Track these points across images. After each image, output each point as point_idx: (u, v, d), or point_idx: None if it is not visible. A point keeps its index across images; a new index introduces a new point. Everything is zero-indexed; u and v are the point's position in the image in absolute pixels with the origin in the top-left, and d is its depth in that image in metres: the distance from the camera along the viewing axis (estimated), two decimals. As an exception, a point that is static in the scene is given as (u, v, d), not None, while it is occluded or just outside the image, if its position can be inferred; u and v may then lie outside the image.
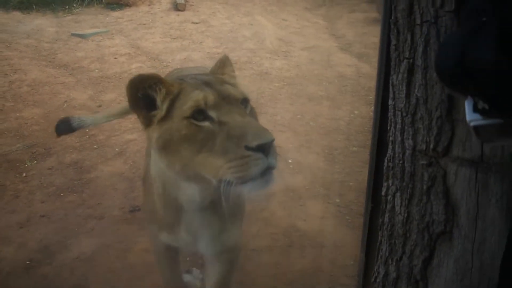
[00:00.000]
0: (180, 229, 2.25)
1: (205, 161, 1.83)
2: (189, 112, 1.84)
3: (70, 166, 4.18)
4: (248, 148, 1.71)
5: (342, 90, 5.93)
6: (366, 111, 5.32)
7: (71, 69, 6.31)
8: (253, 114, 2.15)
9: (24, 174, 4.10)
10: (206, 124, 1.84)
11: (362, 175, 3.88)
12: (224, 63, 2.30)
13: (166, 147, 1.89)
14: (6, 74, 5.95)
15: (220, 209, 2.17)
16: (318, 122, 5.10)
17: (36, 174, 4.09)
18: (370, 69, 6.44)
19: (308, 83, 6.03)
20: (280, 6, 9.38)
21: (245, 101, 1.98)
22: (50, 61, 6.53)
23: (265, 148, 1.72)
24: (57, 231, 3.48)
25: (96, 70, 6.28)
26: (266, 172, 1.75)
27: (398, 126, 1.57)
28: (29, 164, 4.24)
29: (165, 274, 2.72)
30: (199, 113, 1.85)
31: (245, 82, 5.92)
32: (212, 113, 1.84)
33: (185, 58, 6.50)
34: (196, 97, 1.88)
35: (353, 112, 5.35)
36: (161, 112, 1.93)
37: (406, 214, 1.59)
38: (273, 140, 1.75)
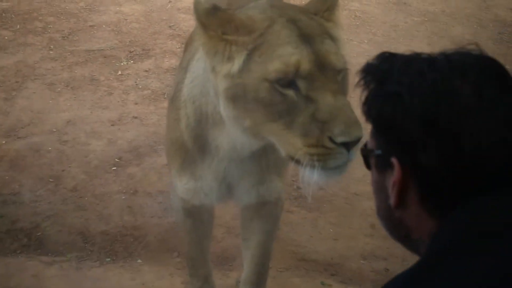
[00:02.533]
0: (208, 176, 2.32)
1: (280, 132, 1.87)
2: (274, 75, 1.84)
3: (168, 72, 4.65)
4: (332, 141, 1.77)
5: (497, 38, 5.85)
6: (521, 68, 5.27)
7: None
8: (345, 85, 2.00)
9: (120, 72, 4.65)
10: (291, 93, 1.84)
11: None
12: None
13: (236, 101, 1.91)
14: None
15: (260, 158, 2.27)
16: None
17: (132, 74, 4.63)
18: (538, 18, 6.26)
19: (454, 23, 6.00)
20: None
21: (343, 71, 1.93)
22: None
23: (350, 145, 1.77)
24: (149, 134, 4.01)
25: None
26: (343, 164, 1.82)
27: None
28: (125, 62, 4.78)
29: (191, 251, 2.78)
30: (285, 79, 1.84)
31: (377, 10, 6.03)
32: (301, 84, 1.83)
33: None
34: (287, 58, 1.84)
35: (505, 66, 5.32)
36: (232, 65, 1.92)
37: None
38: (361, 138, 1.75)
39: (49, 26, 5.25)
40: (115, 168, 3.74)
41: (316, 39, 1.90)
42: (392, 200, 1.11)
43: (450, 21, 6.02)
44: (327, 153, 1.79)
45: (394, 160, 1.08)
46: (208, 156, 2.27)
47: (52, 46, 4.96)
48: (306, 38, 1.89)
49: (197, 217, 2.64)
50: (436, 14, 6.11)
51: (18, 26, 5.19)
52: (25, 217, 3.39)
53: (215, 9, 1.98)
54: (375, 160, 1.16)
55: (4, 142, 3.89)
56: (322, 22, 2.02)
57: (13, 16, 5.32)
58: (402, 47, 5.40)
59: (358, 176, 3.70)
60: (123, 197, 3.55)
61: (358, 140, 1.75)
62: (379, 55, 1.17)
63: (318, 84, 1.83)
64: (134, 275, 3.09)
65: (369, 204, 3.34)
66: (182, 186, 2.39)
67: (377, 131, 1.13)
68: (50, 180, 3.62)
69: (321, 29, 1.96)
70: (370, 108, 1.12)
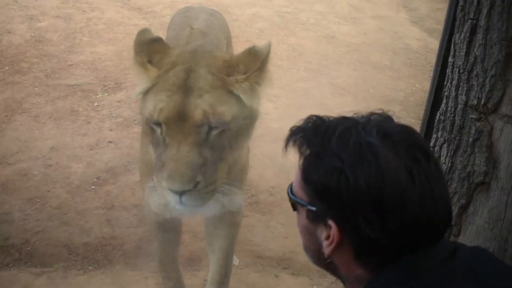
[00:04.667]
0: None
1: (156, 157, 1.85)
2: (147, 114, 1.82)
3: (138, 102, 4.51)
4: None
5: (407, 62, 5.94)
6: (427, 86, 5.28)
7: (144, 13, 6.60)
8: (218, 140, 1.81)
9: (96, 104, 4.48)
10: (158, 131, 1.81)
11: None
12: (253, 56, 1.90)
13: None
14: (85, 11, 6.31)
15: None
16: (379, 90, 5.19)
17: (107, 105, 4.47)
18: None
19: (373, 51, 6.07)
20: (355, -28, 9.28)
21: (205, 126, 1.78)
22: (125, 3, 6.83)
23: (177, 193, 1.72)
24: (122, 156, 3.86)
25: (168, 16, 6.55)
26: (177, 205, 1.77)
27: (454, 82, 1.72)
28: (100, 95, 4.61)
29: (162, 259, 2.66)
30: (152, 119, 1.80)
31: (310, 44, 6.03)
32: (163, 127, 1.78)
33: (254, 14, 6.65)
34: (157, 104, 1.79)
35: (414, 86, 5.39)
36: (137, 89, 1.89)
37: (450, 164, 1.76)
38: (184, 191, 1.70)
39: (33, 66, 5.04)
40: (94, 186, 3.59)
41: (195, 93, 1.78)
42: (326, 252, 1.03)
43: (370, 50, 6.08)
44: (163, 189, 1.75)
45: (331, 223, 1.01)
46: None
47: (36, 84, 4.76)
48: (186, 89, 1.79)
49: (167, 228, 2.50)
50: (358, 45, 6.17)
51: (6, 68, 4.97)
52: (16, 234, 3.22)
53: (154, 40, 1.92)
54: (307, 212, 1.06)
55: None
56: (224, 78, 1.84)
57: (2, 59, 5.09)
58: (333, 72, 5.40)
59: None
60: (102, 212, 3.41)
61: (181, 191, 1.70)
62: (307, 120, 1.08)
63: (172, 132, 1.76)
64: (114, 280, 2.97)
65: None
66: (154, 203, 2.22)
67: (315, 196, 1.03)
68: (37, 200, 3.45)
69: (211, 85, 1.82)
70: (310, 176, 1.03)
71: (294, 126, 1.09)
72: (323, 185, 1.00)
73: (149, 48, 1.94)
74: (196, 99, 1.77)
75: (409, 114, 4.76)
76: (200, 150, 1.76)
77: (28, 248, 3.14)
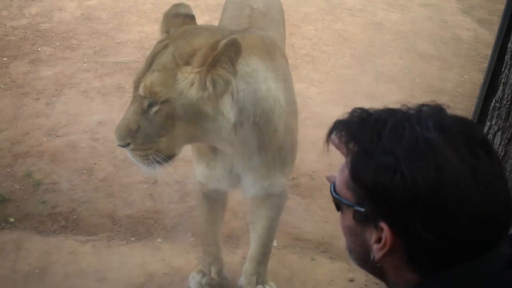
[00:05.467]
0: (219, 166, 2.28)
1: None
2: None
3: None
4: None
5: (456, 52, 5.79)
6: (477, 78, 5.19)
7: (191, -6, 6.67)
8: (158, 117, 1.86)
9: (142, 81, 4.57)
10: None
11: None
12: (212, 51, 1.83)
13: None
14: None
15: (265, 156, 2.18)
16: (425, 79, 5.08)
17: (152, 83, 4.55)
18: (489, 37, 6.17)
19: (420, 40, 5.93)
20: (405, -42, 9.06)
21: (148, 99, 1.85)
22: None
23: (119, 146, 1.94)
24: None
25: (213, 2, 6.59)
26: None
27: (514, 68, 1.67)
28: (147, 73, 4.69)
29: (204, 230, 2.72)
30: None
31: (356, 30, 5.95)
32: None
33: (301, -2, 6.60)
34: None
35: (463, 76, 5.25)
36: None
37: (503, 153, 1.72)
38: (120, 146, 1.92)
39: (83, 43, 5.17)
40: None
41: (151, 68, 1.88)
42: (377, 256, 0.97)
43: (417, 38, 5.95)
44: None
45: (384, 226, 0.94)
46: (218, 150, 2.23)
47: (85, 60, 4.88)
48: (151, 62, 1.89)
49: (212, 200, 2.58)
50: (405, 33, 6.04)
51: (57, 43, 5.11)
52: (63, 202, 3.33)
53: (180, 15, 2.08)
54: (354, 213, 0.99)
55: (45, 140, 3.81)
56: (179, 64, 1.85)
57: (53, 35, 5.24)
58: (378, 60, 5.32)
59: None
60: (145, 186, 3.48)
61: (120, 146, 1.93)
62: (352, 113, 1.00)
63: (132, 97, 1.95)
64: (155, 252, 3.03)
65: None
66: (200, 172, 2.36)
67: (364, 195, 0.96)
68: (84, 171, 3.56)
69: (165, 65, 1.86)
70: (360, 174, 0.95)
71: (337, 120, 1.01)
72: (374, 184, 0.92)
73: (172, 20, 2.05)
74: (148, 73, 1.88)
75: (456, 105, 4.64)
76: (137, 118, 1.88)
77: (75, 217, 3.24)
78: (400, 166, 0.90)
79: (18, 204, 3.28)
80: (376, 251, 0.96)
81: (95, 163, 3.63)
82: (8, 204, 3.27)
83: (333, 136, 1.01)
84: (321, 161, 3.72)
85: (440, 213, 0.89)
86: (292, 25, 5.80)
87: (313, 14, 6.18)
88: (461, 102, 4.65)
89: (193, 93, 1.85)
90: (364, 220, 0.98)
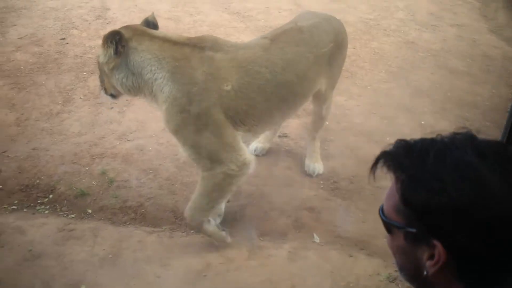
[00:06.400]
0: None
1: None
2: None
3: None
4: None
5: (485, 69, 5.60)
6: (505, 92, 5.01)
7: (242, 17, 6.72)
8: (99, 69, 2.86)
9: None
10: None
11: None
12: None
13: None
14: (191, 14, 6.53)
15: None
16: (455, 94, 4.94)
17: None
18: (517, 54, 5.95)
19: (451, 57, 5.77)
20: (436, -17, 8.84)
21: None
22: (226, 8, 6.99)
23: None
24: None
25: (262, 20, 6.62)
26: None
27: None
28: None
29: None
30: None
31: (391, 48, 5.86)
32: None
33: (339, 20, 6.56)
34: None
35: (491, 91, 5.07)
36: None
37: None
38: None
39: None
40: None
41: None
42: (430, 272, 0.96)
43: (448, 56, 5.80)
44: None
45: (437, 243, 0.93)
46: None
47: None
48: None
49: None
50: (437, 51, 5.90)
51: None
52: (133, 198, 3.41)
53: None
54: (405, 234, 0.99)
55: (118, 143, 3.92)
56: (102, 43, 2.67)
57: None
58: (411, 76, 5.22)
59: (381, 173, 3.55)
60: (203, 185, 3.52)
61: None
62: (396, 145, 1.01)
63: None
64: (211, 243, 3.05)
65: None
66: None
67: (415, 217, 0.96)
68: (150, 171, 3.64)
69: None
70: (410, 198, 0.96)
71: (383, 152, 1.02)
72: (425, 206, 0.93)
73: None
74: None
75: (485, 117, 4.49)
76: (102, 71, 2.76)
77: (142, 210, 3.32)
78: (447, 188, 0.90)
79: (95, 198, 3.39)
80: (430, 267, 0.96)
81: (160, 164, 3.71)
82: (87, 197, 3.39)
83: (379, 165, 1.03)
84: (359, 167, 3.68)
85: (488, 229, 0.89)
86: (333, 44, 5.78)
87: (352, 34, 6.12)
88: (489, 115, 4.49)
89: (99, 59, 2.71)
90: (415, 239, 0.98)
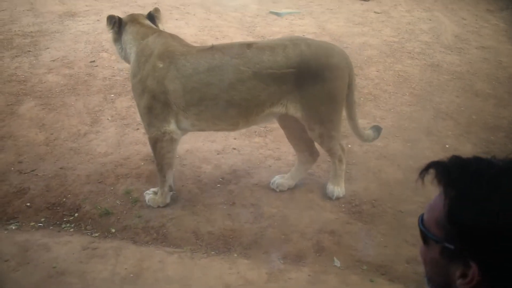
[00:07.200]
0: None
1: None
2: None
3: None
4: None
5: (511, 91, 5.50)
6: (532, 115, 4.90)
7: (266, 40, 6.84)
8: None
9: (223, 115, 4.71)
10: None
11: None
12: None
13: None
14: (217, 38, 6.67)
15: None
16: (481, 116, 4.86)
17: (232, 117, 4.67)
18: (545, 76, 5.83)
19: (477, 80, 5.70)
20: (461, 5, 8.79)
21: None
22: (250, 32, 7.12)
23: None
24: (244, 161, 4.00)
25: (286, 43, 6.72)
26: None
27: None
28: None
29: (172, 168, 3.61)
30: None
31: (415, 71, 5.83)
32: None
33: (363, 43, 6.58)
34: None
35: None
36: None
37: None
38: None
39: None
40: (219, 185, 3.75)
41: None
42: None
43: (474, 78, 5.73)
44: None
45: (473, 265, 0.93)
46: None
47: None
48: None
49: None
50: (462, 73, 5.84)
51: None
52: (155, 218, 3.45)
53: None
54: (442, 249, 0.98)
55: (142, 164, 4.00)
56: None
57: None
58: (436, 98, 5.17)
59: (403, 197, 3.51)
60: (224, 207, 3.54)
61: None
62: (452, 160, 1.00)
63: None
64: (231, 265, 3.06)
65: (412, 220, 3.17)
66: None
67: (456, 235, 0.95)
68: (173, 192, 3.67)
69: None
70: (457, 216, 0.95)
71: (436, 162, 1.01)
72: (472, 227, 0.92)
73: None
74: None
75: (511, 140, 4.40)
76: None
77: (164, 231, 3.35)
78: (498, 213, 0.90)
79: (118, 217, 3.45)
80: (460, 285, 0.95)
81: (182, 185, 3.75)
82: (110, 217, 3.45)
83: (429, 176, 1.02)
84: (382, 190, 3.64)
85: None
86: (356, 67, 5.78)
87: (375, 57, 6.13)
88: (517, 139, 4.39)
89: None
90: (451, 256, 0.97)
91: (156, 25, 3.56)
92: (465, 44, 6.80)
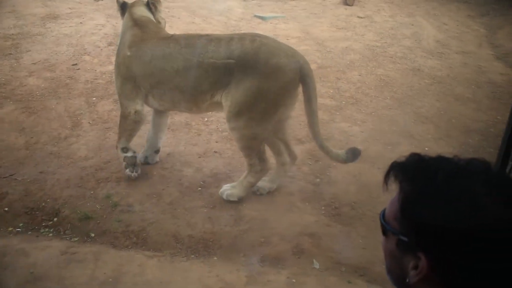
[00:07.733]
0: None
1: None
2: None
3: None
4: None
5: (490, 95, 5.61)
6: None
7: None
8: None
9: (206, 119, 4.71)
10: None
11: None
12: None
13: None
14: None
15: None
16: (460, 120, 4.94)
17: (215, 121, 4.68)
18: (524, 81, 5.95)
19: (457, 84, 5.80)
20: (443, 11, 8.94)
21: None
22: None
23: None
24: (225, 165, 4.01)
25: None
26: None
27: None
28: (210, 113, 4.83)
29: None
30: None
31: (397, 75, 5.91)
32: None
33: (346, 47, 6.65)
34: None
35: (496, 117, 5.07)
36: None
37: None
38: None
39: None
40: (200, 188, 3.76)
41: None
42: (411, 281, 0.99)
43: (454, 83, 5.83)
44: None
45: (422, 256, 0.96)
46: None
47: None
48: None
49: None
50: (443, 78, 5.94)
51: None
52: (135, 222, 3.43)
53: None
54: (397, 241, 1.02)
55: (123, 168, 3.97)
56: None
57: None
58: (417, 102, 5.24)
59: (382, 200, 3.55)
60: (205, 210, 3.54)
61: None
62: (410, 158, 1.03)
63: None
64: (211, 268, 3.06)
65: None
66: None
67: (410, 228, 0.99)
68: (154, 196, 3.67)
69: None
70: (409, 211, 0.98)
71: (395, 162, 1.04)
72: (422, 221, 0.96)
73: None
74: None
75: (489, 144, 4.48)
76: None
77: (144, 235, 3.33)
78: (447, 210, 0.93)
79: (98, 221, 3.43)
80: (412, 276, 0.99)
81: (163, 189, 3.74)
82: (90, 221, 3.42)
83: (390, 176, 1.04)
84: (362, 193, 3.68)
85: (477, 254, 0.91)
86: (338, 71, 5.84)
87: (358, 61, 6.20)
88: (493, 142, 4.47)
89: None
90: (405, 248, 1.01)
91: (153, 13, 3.83)
92: (446, 49, 6.92)
